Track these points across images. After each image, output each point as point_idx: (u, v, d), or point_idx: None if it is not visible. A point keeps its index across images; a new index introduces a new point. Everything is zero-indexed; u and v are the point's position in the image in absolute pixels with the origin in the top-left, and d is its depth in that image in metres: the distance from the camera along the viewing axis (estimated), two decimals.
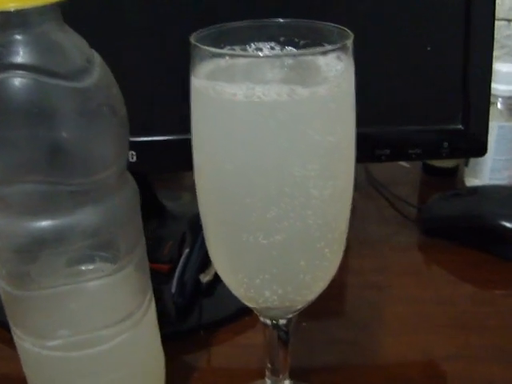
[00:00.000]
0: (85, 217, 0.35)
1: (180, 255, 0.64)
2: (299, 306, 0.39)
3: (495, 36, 0.99)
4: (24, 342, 0.39)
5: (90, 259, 0.37)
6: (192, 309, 0.60)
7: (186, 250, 0.64)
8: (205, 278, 0.62)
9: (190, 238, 0.66)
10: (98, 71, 0.34)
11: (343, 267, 0.62)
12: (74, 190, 0.34)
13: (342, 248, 0.38)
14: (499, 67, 0.79)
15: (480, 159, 0.82)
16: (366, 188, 0.86)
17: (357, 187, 0.80)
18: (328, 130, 0.32)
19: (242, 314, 0.59)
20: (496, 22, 0.96)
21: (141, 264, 0.40)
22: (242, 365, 0.54)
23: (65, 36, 0.33)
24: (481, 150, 0.58)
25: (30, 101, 0.31)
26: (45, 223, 0.34)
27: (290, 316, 0.41)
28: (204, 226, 0.37)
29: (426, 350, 0.55)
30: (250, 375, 0.52)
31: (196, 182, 0.35)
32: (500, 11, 0.97)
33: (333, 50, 0.31)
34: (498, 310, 0.60)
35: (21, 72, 0.31)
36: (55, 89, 0.32)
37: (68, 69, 0.33)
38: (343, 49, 0.32)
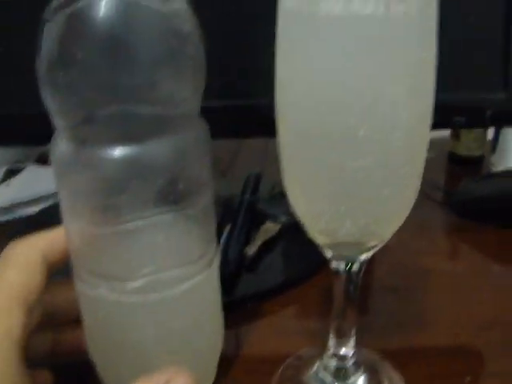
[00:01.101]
0: (163, 147, 0.35)
1: (220, 234, 0.64)
2: (374, 243, 0.39)
3: None
4: (99, 290, 0.38)
5: (169, 194, 0.37)
6: (237, 281, 0.60)
7: (228, 226, 0.64)
8: (250, 250, 0.62)
9: (229, 218, 0.67)
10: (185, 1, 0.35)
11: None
12: (155, 117, 0.34)
13: (419, 180, 0.38)
14: None
15: (507, 145, 0.83)
16: None
17: None
18: (420, 48, 0.33)
19: (289, 286, 0.60)
20: None
21: (209, 209, 0.40)
22: (293, 334, 0.54)
23: None
24: None
25: (120, 23, 0.32)
26: (133, 150, 0.34)
27: (364, 257, 0.41)
28: (287, 152, 0.37)
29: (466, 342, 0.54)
30: (301, 343, 0.51)
31: (278, 103, 0.35)
32: None
33: None
34: None
35: None
36: (147, 11, 0.33)
37: None
38: None
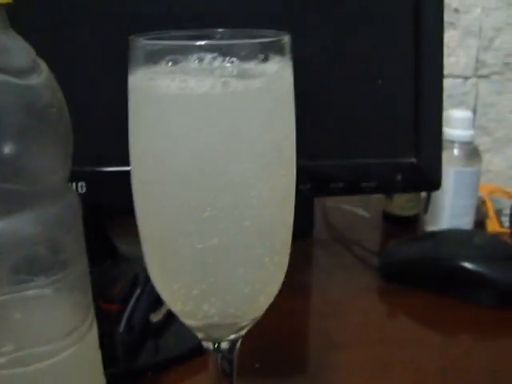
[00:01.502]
0: (26, 222, 0.34)
1: (131, 295, 0.62)
2: (242, 324, 0.37)
3: (452, 92, 1.02)
4: None
5: (32, 269, 0.35)
6: (141, 349, 0.58)
7: (138, 290, 0.62)
8: (155, 317, 0.60)
9: (142, 279, 0.64)
10: (45, 72, 0.35)
11: (301, 315, 0.61)
12: (17, 193, 0.33)
13: (285, 261, 0.36)
14: (455, 113, 0.80)
15: (439, 205, 0.82)
16: (326, 237, 0.85)
17: (316, 236, 0.81)
18: (265, 127, 0.31)
19: (193, 355, 0.57)
20: (452, 80, 1.00)
21: (83, 279, 0.39)
22: None
23: (10, 37, 0.33)
24: (434, 183, 0.58)
25: None
26: None
27: (233, 337, 0.38)
28: (139, 230, 0.35)
29: None
30: None
31: (132, 181, 0.34)
32: (456, 68, 1.00)
33: (269, 48, 0.31)
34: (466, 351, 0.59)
35: None
36: (3, 85, 0.32)
37: (15, 66, 0.32)
38: (279, 48, 0.32)
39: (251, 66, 0.31)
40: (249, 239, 0.33)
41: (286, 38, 0.32)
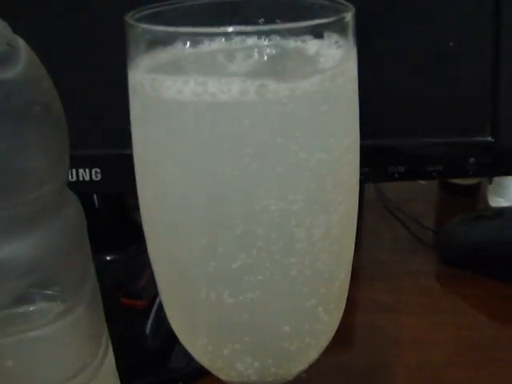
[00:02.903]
0: (17, 249, 0.27)
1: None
2: (286, 380, 0.29)
3: None
4: None
5: (29, 303, 0.29)
6: (170, 354, 0.51)
7: None
8: None
9: None
10: (24, 59, 0.27)
11: (348, 303, 0.53)
12: (1, 216, 0.26)
13: (343, 303, 0.28)
14: None
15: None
16: (376, 208, 0.77)
17: (365, 206, 0.73)
18: (317, 143, 0.22)
19: None
20: None
21: (92, 302, 0.32)
22: None
23: None
24: None
25: None
26: None
27: None
28: (155, 273, 0.27)
29: None
30: None
31: (141, 210, 0.26)
32: None
33: (325, 28, 0.21)
34: None
35: None
36: None
37: None
38: (341, 28, 0.22)
39: (299, 50, 0.22)
40: (297, 291, 0.24)
41: (350, 14, 0.22)
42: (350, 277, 0.28)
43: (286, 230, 0.23)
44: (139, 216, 0.61)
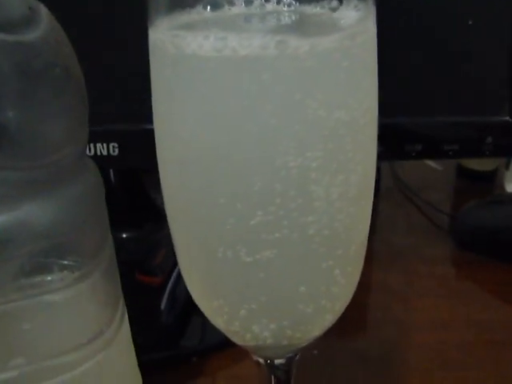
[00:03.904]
0: (36, 212, 0.27)
1: (175, 266, 0.55)
2: (301, 345, 0.29)
3: None
4: None
5: (46, 267, 0.29)
6: (185, 330, 0.52)
7: None
8: None
9: None
10: (45, 23, 0.27)
11: (362, 285, 0.53)
12: (21, 178, 0.27)
13: (360, 269, 0.28)
14: None
15: None
16: (392, 193, 0.77)
17: (382, 191, 0.73)
18: (337, 102, 0.22)
19: None
20: None
21: (109, 269, 0.32)
22: None
23: None
24: None
25: None
26: None
27: (290, 355, 0.31)
28: (172, 233, 0.27)
29: None
30: None
31: (160, 172, 0.26)
32: None
33: None
34: None
35: None
36: None
37: (3, 17, 0.25)
38: None
39: (319, 14, 0.22)
40: (314, 250, 0.24)
41: None
42: (366, 244, 0.28)
43: (305, 187, 0.23)
44: (155, 195, 0.61)
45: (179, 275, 0.52)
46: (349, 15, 0.23)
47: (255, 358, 0.32)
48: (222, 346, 0.50)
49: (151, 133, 0.47)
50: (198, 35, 0.21)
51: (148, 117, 0.46)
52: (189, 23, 0.22)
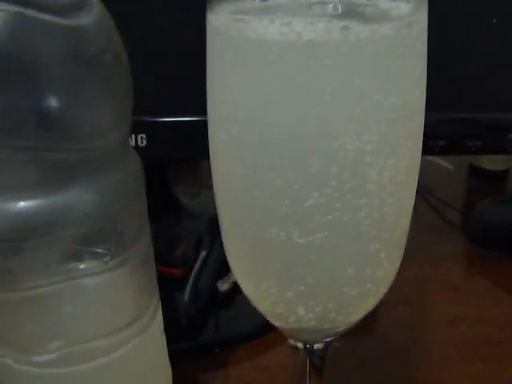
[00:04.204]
0: (80, 195, 0.28)
1: (195, 258, 0.56)
2: (342, 328, 0.30)
3: None
4: (4, 359, 0.31)
5: (88, 250, 0.30)
6: (207, 321, 0.52)
7: (203, 253, 0.56)
8: (223, 285, 0.54)
9: (208, 240, 0.58)
10: (98, 8, 0.28)
11: None
12: (67, 160, 0.27)
13: (401, 255, 0.29)
14: None
15: None
16: None
17: None
18: (392, 88, 0.23)
19: (266, 330, 0.51)
20: None
21: (147, 257, 0.33)
22: None
23: None
24: None
25: (12, 41, 0.24)
26: (30, 202, 0.27)
27: (328, 340, 0.31)
28: (219, 215, 0.28)
29: (469, 380, 0.46)
30: None
31: (210, 153, 0.27)
32: None
33: None
34: None
35: None
36: (44, 26, 0.25)
37: (57, 1, 0.25)
38: None
39: (380, 4, 0.22)
40: (363, 232, 0.25)
41: None
42: (408, 230, 0.29)
43: (359, 169, 0.23)
44: (176, 188, 0.62)
45: (202, 267, 0.53)
46: (401, 6, 0.24)
47: (293, 343, 0.33)
48: (245, 337, 0.51)
49: (178, 124, 0.48)
50: (264, 19, 0.21)
51: (176, 109, 0.47)
52: (250, 8, 0.23)
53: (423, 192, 0.75)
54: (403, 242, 0.28)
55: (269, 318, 0.30)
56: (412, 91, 0.24)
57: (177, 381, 0.38)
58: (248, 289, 0.29)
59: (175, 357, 0.38)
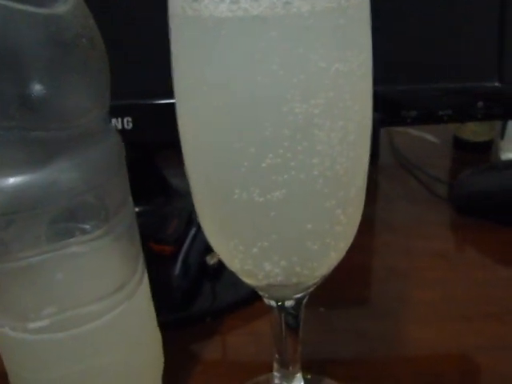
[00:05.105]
0: (65, 170, 0.30)
1: (186, 235, 0.58)
2: (309, 283, 0.32)
3: None
4: (2, 329, 0.34)
5: (74, 222, 0.32)
6: (197, 294, 0.55)
7: (193, 230, 0.58)
8: (212, 259, 0.56)
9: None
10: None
11: (366, 249, 0.56)
12: (51, 138, 0.29)
13: (360, 211, 0.31)
14: None
15: None
16: (391, 164, 0.79)
17: (381, 163, 0.76)
18: (335, 55, 0.25)
19: (253, 300, 0.54)
20: None
21: (130, 226, 0.35)
22: (252, 356, 0.48)
23: None
24: None
25: None
26: (19, 178, 0.29)
27: (299, 296, 0.34)
28: (190, 181, 0.30)
29: (456, 339, 0.49)
30: (261, 367, 0.46)
31: (178, 124, 0.29)
32: None
33: None
34: None
35: None
36: (24, 16, 0.27)
37: None
38: None
39: None
40: (318, 190, 0.27)
41: None
42: (365, 190, 0.32)
43: (309, 131, 0.26)
44: (166, 171, 0.64)
45: (192, 243, 0.56)
46: None
47: (267, 301, 0.35)
48: (234, 307, 0.53)
49: (164, 107, 0.50)
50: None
51: (161, 92, 0.49)
52: None
53: (410, 166, 0.77)
54: (361, 198, 0.31)
55: (241, 276, 0.32)
56: (357, 58, 0.27)
57: (171, 349, 0.40)
58: (219, 249, 0.31)
59: (169, 327, 0.41)
